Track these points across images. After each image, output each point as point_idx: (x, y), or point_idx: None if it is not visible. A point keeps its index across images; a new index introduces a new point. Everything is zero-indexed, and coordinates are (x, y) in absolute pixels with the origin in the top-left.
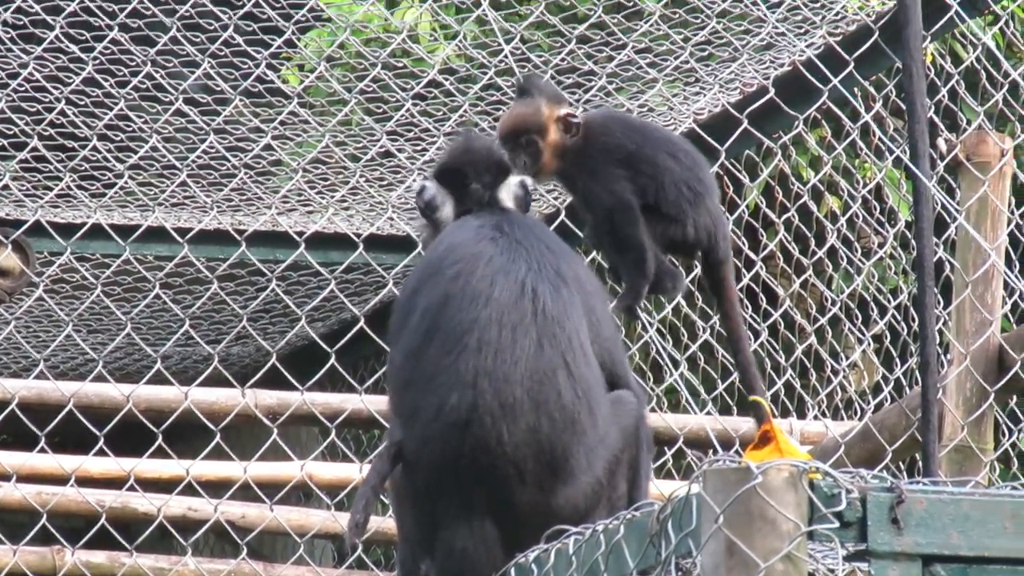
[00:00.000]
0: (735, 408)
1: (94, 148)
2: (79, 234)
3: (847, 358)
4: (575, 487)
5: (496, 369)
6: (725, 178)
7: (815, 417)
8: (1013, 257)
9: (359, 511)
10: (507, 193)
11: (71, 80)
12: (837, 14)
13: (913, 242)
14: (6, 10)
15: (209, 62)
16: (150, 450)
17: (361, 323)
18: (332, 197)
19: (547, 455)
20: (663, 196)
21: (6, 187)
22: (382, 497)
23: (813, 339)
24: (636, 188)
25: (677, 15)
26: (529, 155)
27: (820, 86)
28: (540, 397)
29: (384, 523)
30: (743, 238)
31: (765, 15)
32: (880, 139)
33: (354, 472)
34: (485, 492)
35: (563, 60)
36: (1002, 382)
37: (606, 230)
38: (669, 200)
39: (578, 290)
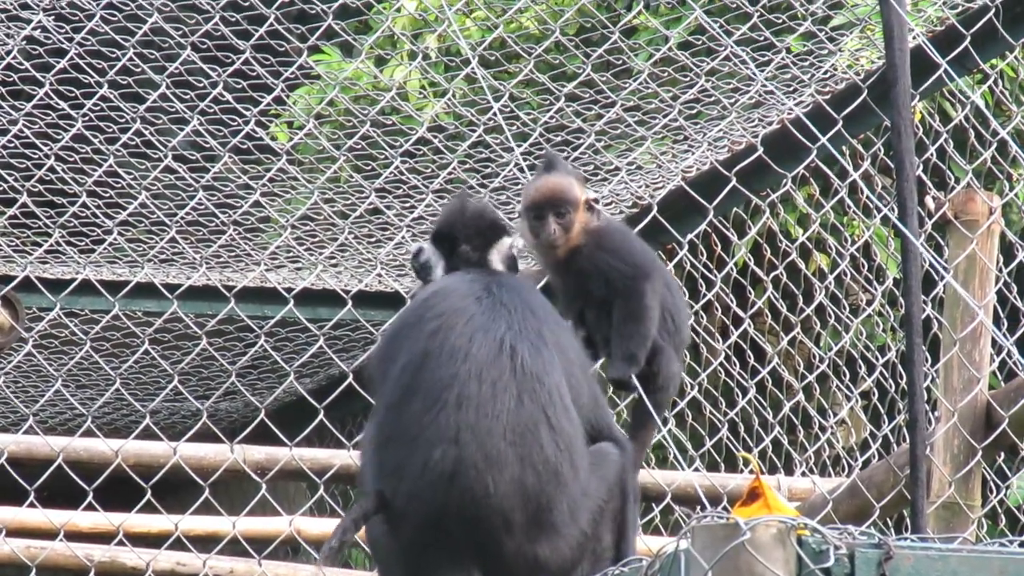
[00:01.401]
0: (723, 464)
1: (83, 204)
2: (68, 290)
3: (835, 415)
4: (560, 539)
5: (478, 423)
6: (713, 235)
7: (803, 473)
8: (1001, 315)
9: (336, 537)
10: (498, 255)
11: (60, 136)
12: (826, 72)
13: (901, 299)
14: None
15: (198, 119)
16: (139, 505)
17: (349, 379)
18: (321, 254)
19: (532, 506)
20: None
21: None
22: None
23: (801, 396)
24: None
25: (666, 73)
26: (561, 225)
27: (808, 144)
28: (523, 450)
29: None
30: (731, 295)
31: (754, 74)
32: (868, 197)
33: None
34: (472, 543)
35: (552, 118)
36: (990, 439)
37: (624, 298)
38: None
39: (558, 351)
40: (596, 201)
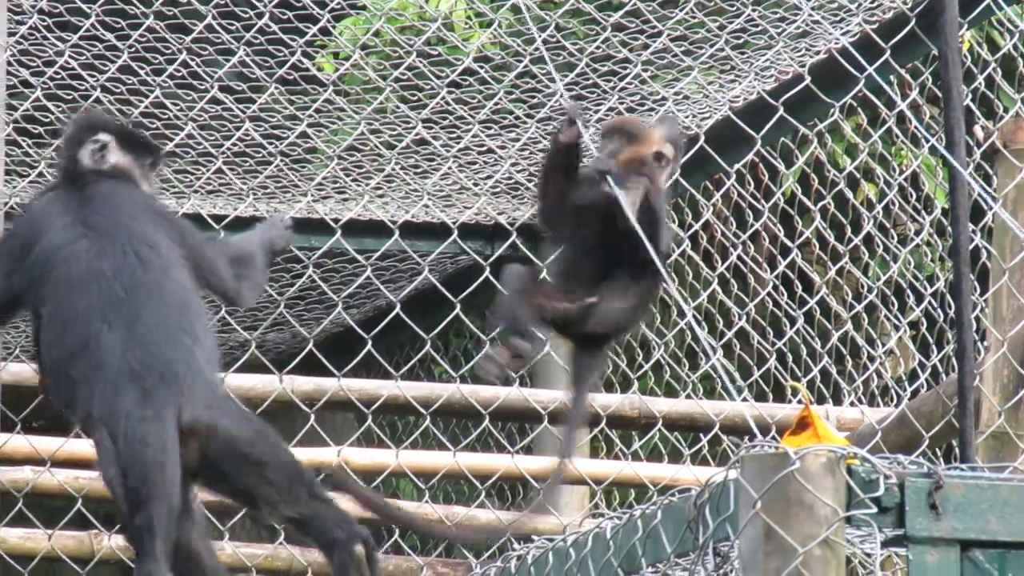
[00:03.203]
0: (771, 395)
1: None
2: None
3: (883, 345)
4: None
5: None
6: (760, 165)
7: (852, 404)
8: None
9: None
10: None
11: (107, 68)
12: (873, 2)
13: (949, 229)
14: None
15: (244, 50)
16: None
17: (397, 309)
18: (367, 184)
19: None
20: None
21: (42, 174)
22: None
23: (849, 326)
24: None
25: (713, 3)
26: (616, 148)
27: (856, 74)
28: None
29: (420, 508)
30: (778, 225)
31: (801, 3)
32: (916, 127)
33: (390, 457)
34: None
35: (598, 48)
36: None
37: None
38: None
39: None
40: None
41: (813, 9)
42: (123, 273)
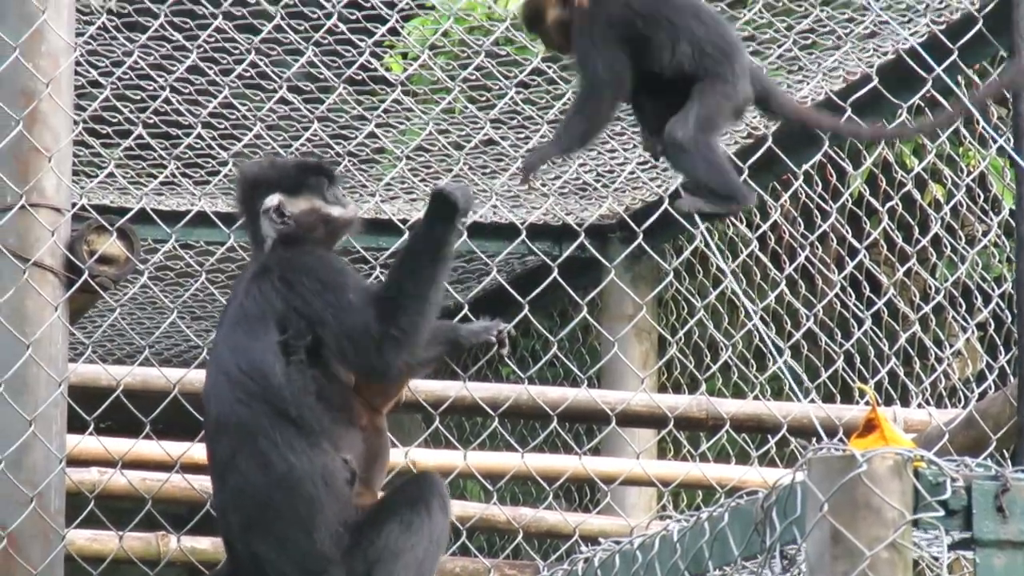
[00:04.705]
0: (838, 396)
1: (198, 136)
2: (183, 222)
3: (951, 346)
4: None
5: None
6: (828, 166)
7: (919, 405)
8: None
9: None
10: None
11: (175, 68)
12: (941, 2)
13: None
14: None
15: (313, 50)
16: None
17: (465, 310)
18: (435, 185)
19: None
20: (683, 55)
21: (111, 175)
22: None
23: (917, 327)
24: (648, 56)
25: (780, 3)
26: (543, 41)
27: (924, 74)
28: None
29: (487, 510)
30: (846, 226)
31: (869, 3)
32: (984, 127)
33: (458, 459)
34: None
35: None
36: None
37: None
38: (695, 59)
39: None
40: None
41: (881, 10)
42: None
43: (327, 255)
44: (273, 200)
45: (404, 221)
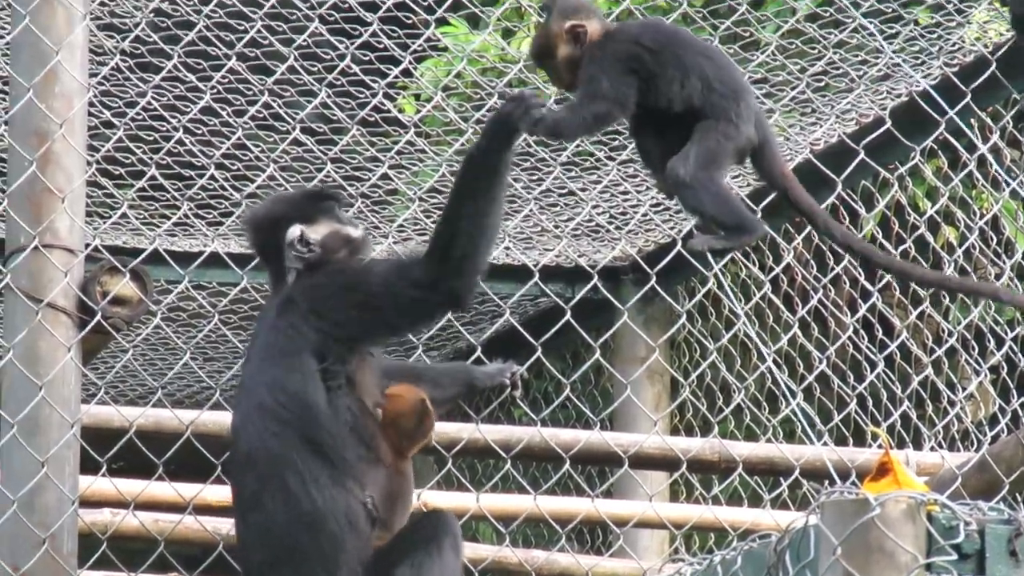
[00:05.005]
0: (851, 439)
1: (211, 177)
2: (196, 263)
3: (964, 389)
4: None
5: None
6: (841, 208)
7: (932, 448)
8: None
9: None
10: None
11: (188, 109)
12: (954, 45)
13: None
14: (124, 39)
15: (326, 91)
16: None
17: (478, 352)
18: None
19: None
20: (693, 89)
21: (124, 216)
22: None
23: (930, 370)
24: (656, 90)
25: (794, 46)
26: (551, 78)
27: (937, 117)
28: None
29: (500, 553)
30: (859, 269)
31: (882, 46)
32: (997, 170)
33: (470, 501)
34: None
35: None
36: None
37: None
38: (704, 94)
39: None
40: (579, 26)
41: (895, 52)
42: None
43: (345, 265)
44: (295, 232)
45: None
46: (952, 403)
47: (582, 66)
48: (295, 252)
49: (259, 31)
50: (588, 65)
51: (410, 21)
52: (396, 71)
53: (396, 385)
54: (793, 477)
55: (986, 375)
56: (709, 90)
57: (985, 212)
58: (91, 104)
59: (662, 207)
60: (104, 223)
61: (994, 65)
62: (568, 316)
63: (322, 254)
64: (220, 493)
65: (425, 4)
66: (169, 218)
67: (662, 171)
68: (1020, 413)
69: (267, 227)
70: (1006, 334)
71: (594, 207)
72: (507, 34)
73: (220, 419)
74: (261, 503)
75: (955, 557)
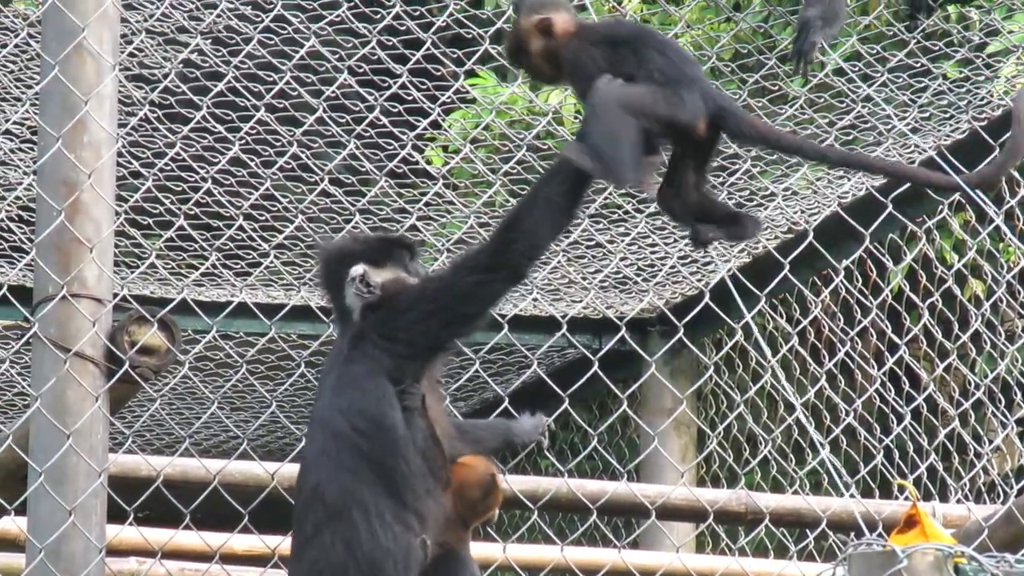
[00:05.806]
0: (877, 491)
1: (239, 227)
2: (224, 313)
3: (990, 441)
4: None
5: None
6: (868, 261)
7: (958, 500)
8: None
9: None
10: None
11: (217, 160)
12: (982, 99)
13: None
14: (153, 90)
15: (354, 142)
16: None
17: (505, 403)
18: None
19: None
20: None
21: (152, 265)
22: None
23: (956, 423)
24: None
25: (822, 99)
26: (528, 71)
27: (965, 171)
28: None
29: None
30: (886, 321)
31: (910, 100)
32: None
33: (497, 551)
34: None
35: None
36: None
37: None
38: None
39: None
40: (545, 20)
41: (923, 107)
42: None
43: (409, 288)
44: (358, 270)
45: None
46: (979, 455)
47: (564, 64)
48: (355, 290)
49: (288, 82)
50: (575, 71)
51: (439, 73)
52: (424, 123)
53: (469, 456)
54: (820, 529)
55: (1013, 427)
56: (661, 75)
57: (1012, 265)
58: (120, 154)
59: (689, 259)
60: (132, 273)
61: None
62: (595, 367)
63: (381, 298)
64: (246, 542)
65: (454, 57)
66: (197, 268)
67: (671, 184)
68: None
69: (335, 261)
70: None
71: (621, 259)
72: (535, 87)
73: (247, 468)
74: (320, 540)
75: None
